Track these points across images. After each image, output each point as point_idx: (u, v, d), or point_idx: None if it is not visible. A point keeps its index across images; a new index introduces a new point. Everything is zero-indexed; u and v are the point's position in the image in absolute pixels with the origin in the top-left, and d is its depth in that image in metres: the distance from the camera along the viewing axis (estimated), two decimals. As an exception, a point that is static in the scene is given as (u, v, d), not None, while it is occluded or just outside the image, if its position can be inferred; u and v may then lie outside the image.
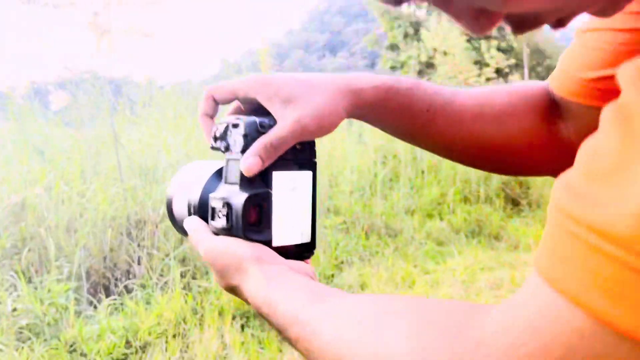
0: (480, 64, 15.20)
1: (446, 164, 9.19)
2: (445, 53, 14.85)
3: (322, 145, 8.36)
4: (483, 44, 15.34)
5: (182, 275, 4.39)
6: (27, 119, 6.50)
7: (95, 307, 3.90)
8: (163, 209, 4.74)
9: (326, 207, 6.61)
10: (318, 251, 4.88)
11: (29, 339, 3.18)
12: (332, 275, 4.54)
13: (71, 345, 3.20)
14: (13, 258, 4.26)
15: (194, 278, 4.47)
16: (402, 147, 9.58)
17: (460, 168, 8.99)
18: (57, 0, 4.54)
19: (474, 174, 8.75)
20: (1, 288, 3.95)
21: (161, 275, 4.29)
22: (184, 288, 4.15)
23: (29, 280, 4.15)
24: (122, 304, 3.79)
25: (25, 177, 4.82)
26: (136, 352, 3.19)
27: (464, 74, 14.00)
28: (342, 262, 4.91)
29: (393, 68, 19.61)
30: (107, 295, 4.36)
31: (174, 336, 3.36)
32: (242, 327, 3.57)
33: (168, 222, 4.62)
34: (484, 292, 4.31)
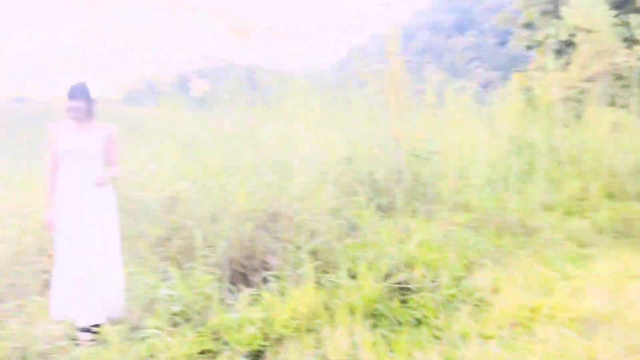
0: (630, 41, 13.57)
1: (589, 155, 8.44)
2: (588, 31, 13.50)
3: (450, 134, 8.10)
4: (633, 18, 13.67)
5: (314, 269, 4.56)
6: (173, 106, 7.15)
7: (235, 295, 4.21)
8: (296, 204, 4.95)
9: (455, 202, 6.43)
10: (447, 250, 4.77)
11: (180, 324, 3.51)
12: (461, 278, 4.41)
13: (214, 333, 3.48)
14: (165, 246, 4.74)
15: (325, 272, 4.62)
16: (538, 136, 8.96)
17: (605, 159, 8.17)
18: (201, 6, 4.88)
19: (623, 165, 7.92)
20: (155, 274, 4.43)
21: (295, 268, 4.49)
22: (316, 282, 4.31)
23: (179, 267, 4.59)
24: (259, 295, 4.02)
25: (175, 170, 5.29)
26: (272, 345, 3.39)
27: (609, 52, 12.67)
28: (472, 263, 4.76)
29: (529, 47, 18.40)
30: (246, 285, 4.68)
31: (308, 331, 3.51)
32: (373, 326, 3.63)
33: (301, 217, 4.82)
34: (636, 306, 3.91)
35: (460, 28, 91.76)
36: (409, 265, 4.44)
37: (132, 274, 4.20)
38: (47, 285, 4.54)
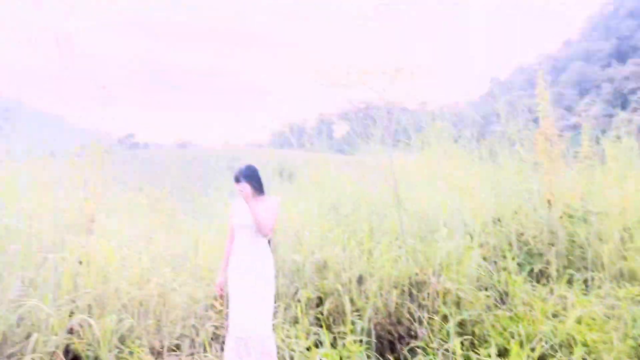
0: None
1: None
2: None
3: (611, 189, 7.45)
4: None
5: (461, 344, 4.50)
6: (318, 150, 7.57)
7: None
8: (443, 273, 4.96)
9: (618, 270, 5.89)
10: (610, 330, 4.40)
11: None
12: (631, 363, 4.02)
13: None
14: (317, 308, 5.03)
15: (473, 346, 4.53)
16: None
17: None
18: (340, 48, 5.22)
19: None
20: (307, 336, 4.71)
21: (442, 340, 4.48)
22: (464, 357, 4.25)
23: (329, 329, 4.83)
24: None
25: (324, 234, 5.61)
26: None
27: None
28: (641, 346, 4.31)
29: None
30: (392, 352, 4.77)
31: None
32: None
33: (447, 285, 4.81)
34: None
35: (620, 56, 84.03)
36: (567, 345, 4.18)
37: (288, 336, 4.53)
38: (214, 338, 5.07)
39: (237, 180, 4.21)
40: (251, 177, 4.24)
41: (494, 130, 8.54)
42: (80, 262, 3.83)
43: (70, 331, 3.86)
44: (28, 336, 3.26)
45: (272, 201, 4.30)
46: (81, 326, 3.83)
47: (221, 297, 4.56)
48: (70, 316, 3.76)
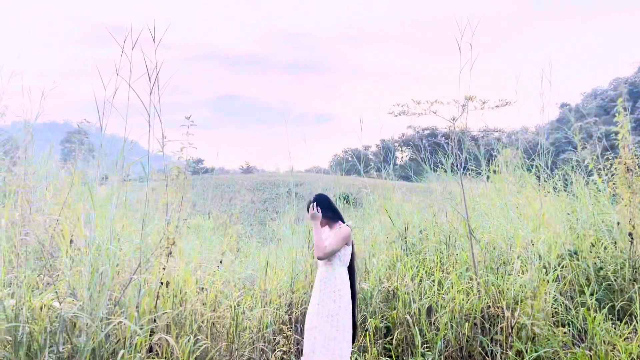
0: None
1: None
2: None
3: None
4: None
5: (538, 382, 4.32)
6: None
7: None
8: (517, 307, 4.79)
9: None
10: None
11: None
12: None
13: None
14: (385, 338, 4.99)
15: (550, 385, 4.34)
16: None
17: None
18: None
19: None
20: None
21: (516, 377, 4.32)
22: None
23: (398, 359, 4.77)
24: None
25: (392, 262, 5.58)
26: None
27: None
28: None
29: None
30: (463, 387, 4.64)
31: None
32: None
33: (521, 320, 4.64)
34: None
35: None
36: (655, 390, 3.91)
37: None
38: (282, 362, 5.13)
39: (307, 209, 4.37)
40: (320, 204, 4.39)
41: (568, 158, 8.24)
42: (162, 284, 4.02)
43: (150, 349, 4.03)
44: (114, 352, 3.45)
45: (341, 228, 4.34)
46: (159, 345, 3.99)
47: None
48: (151, 335, 3.94)
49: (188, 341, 3.85)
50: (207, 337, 4.39)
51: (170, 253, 4.24)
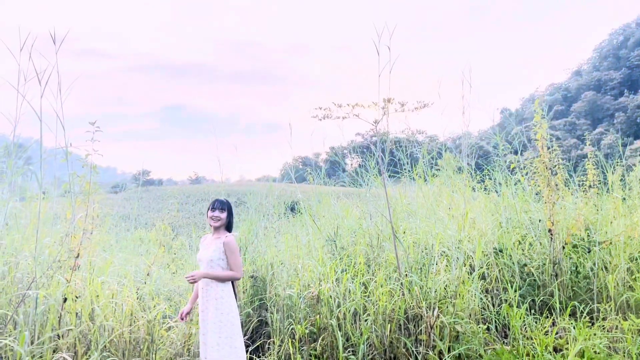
0: None
1: None
2: None
3: (618, 219, 7.29)
4: None
5: (458, 380, 4.35)
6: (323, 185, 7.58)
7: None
8: (439, 307, 4.83)
9: (623, 301, 5.69)
10: (615, 364, 4.22)
11: None
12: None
13: None
14: (310, 344, 4.91)
15: (470, 382, 4.37)
16: None
17: None
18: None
19: None
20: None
21: (437, 377, 4.33)
22: (459, 394, 4.10)
23: (323, 366, 4.70)
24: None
25: (319, 270, 5.53)
26: None
27: None
28: (648, 381, 4.11)
29: None
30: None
31: None
32: None
33: (442, 319, 4.68)
34: None
35: (632, 85, 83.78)
36: (567, 381, 4.01)
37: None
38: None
39: (214, 208, 4.41)
40: (229, 209, 4.49)
41: (496, 160, 8.47)
42: (65, 299, 3.79)
43: (54, 370, 3.79)
44: (5, 375, 3.21)
45: (231, 240, 4.38)
46: (64, 364, 3.76)
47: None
48: (54, 353, 3.70)
49: (89, 358, 3.64)
50: (120, 354, 4.18)
51: (79, 267, 4.02)
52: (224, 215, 4.39)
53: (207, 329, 4.12)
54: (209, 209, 4.45)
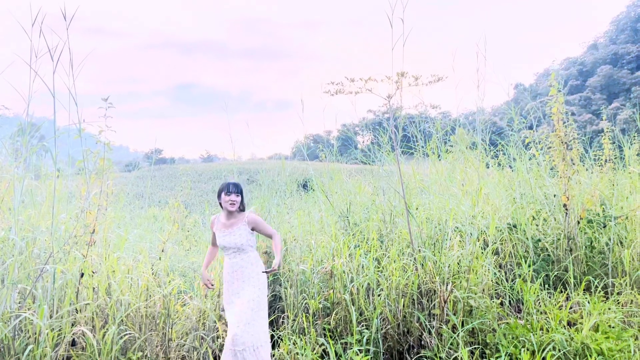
0: None
1: None
2: None
3: (629, 194, 7.20)
4: None
5: (471, 353, 4.37)
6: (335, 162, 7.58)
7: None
8: (452, 282, 4.82)
9: (638, 276, 5.65)
10: (627, 338, 4.20)
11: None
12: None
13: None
14: (324, 319, 4.95)
15: (483, 355, 4.39)
16: None
17: None
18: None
19: None
20: (315, 347, 4.64)
21: (450, 349, 4.35)
22: (472, 367, 4.12)
23: (336, 340, 4.75)
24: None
25: (332, 246, 5.55)
26: None
27: None
28: (663, 355, 4.09)
29: None
30: (401, 363, 4.66)
31: None
32: None
33: (457, 294, 4.68)
34: None
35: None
36: (581, 355, 4.01)
37: (294, 349, 4.46)
38: (222, 350, 5.04)
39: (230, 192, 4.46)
40: (242, 192, 4.56)
41: (510, 135, 8.37)
42: (82, 274, 3.85)
43: (74, 343, 3.87)
44: (26, 348, 3.28)
45: (248, 214, 4.55)
46: (83, 337, 3.83)
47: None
48: (72, 326, 3.77)
49: (106, 331, 3.71)
50: (137, 328, 4.25)
51: (94, 242, 4.07)
52: (239, 198, 4.44)
53: (244, 306, 4.20)
54: (222, 193, 4.47)
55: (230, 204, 4.40)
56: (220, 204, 4.54)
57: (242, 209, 4.55)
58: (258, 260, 4.48)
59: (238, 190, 4.45)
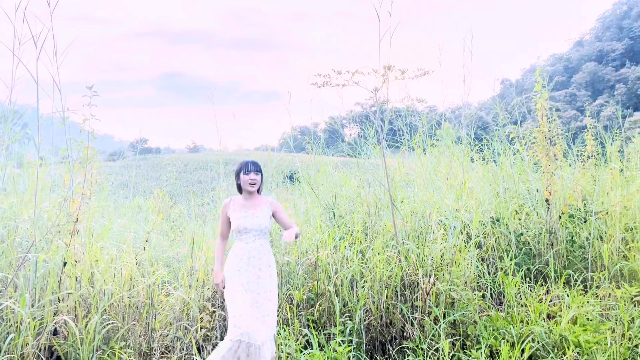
0: None
1: None
2: None
3: (614, 190, 7.34)
4: None
5: (452, 344, 4.43)
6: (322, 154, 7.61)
7: (372, 366, 4.24)
8: (435, 274, 4.88)
9: (618, 270, 5.76)
10: (605, 331, 4.30)
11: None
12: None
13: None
14: (308, 309, 4.98)
15: (464, 347, 4.46)
16: None
17: None
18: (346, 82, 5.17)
19: None
20: (298, 338, 4.67)
21: (432, 341, 4.41)
22: (454, 358, 4.19)
23: (320, 331, 4.79)
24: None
25: (317, 237, 5.57)
26: None
27: None
28: (638, 348, 4.19)
29: None
30: (384, 353, 4.71)
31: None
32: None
33: (440, 286, 4.73)
34: None
35: (634, 56, 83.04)
36: (559, 347, 4.09)
37: (278, 340, 4.48)
38: (205, 340, 5.05)
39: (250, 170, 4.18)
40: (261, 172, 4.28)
41: (495, 130, 8.44)
42: (65, 263, 3.82)
43: (55, 332, 3.85)
44: (7, 337, 3.26)
45: (270, 199, 4.32)
46: (66, 326, 3.82)
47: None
48: (54, 315, 3.76)
49: (89, 321, 3.70)
50: (120, 317, 4.25)
51: (78, 231, 4.04)
52: (259, 177, 4.16)
53: (264, 297, 4.03)
54: (241, 173, 4.17)
55: (250, 183, 4.11)
56: (238, 185, 4.24)
57: (259, 191, 4.28)
58: (271, 250, 4.25)
59: (257, 168, 4.17)
